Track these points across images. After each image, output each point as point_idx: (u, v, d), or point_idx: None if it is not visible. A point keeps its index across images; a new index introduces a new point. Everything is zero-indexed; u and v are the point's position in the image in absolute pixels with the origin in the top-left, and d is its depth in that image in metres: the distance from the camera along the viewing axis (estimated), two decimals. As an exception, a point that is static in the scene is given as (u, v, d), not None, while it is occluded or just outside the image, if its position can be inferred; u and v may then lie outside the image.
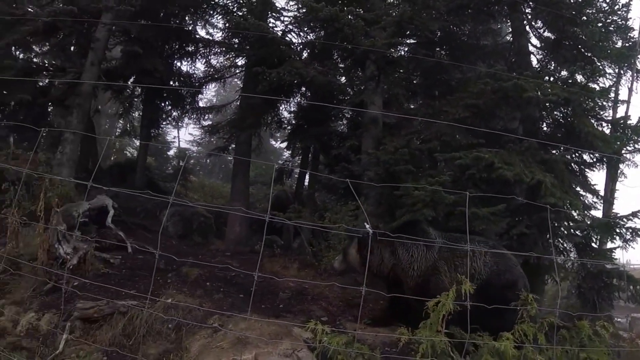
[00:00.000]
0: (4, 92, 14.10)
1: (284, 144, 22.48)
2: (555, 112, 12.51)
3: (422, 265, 8.32)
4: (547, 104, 11.67)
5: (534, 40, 14.64)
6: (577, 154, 12.57)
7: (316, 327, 6.02)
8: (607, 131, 12.47)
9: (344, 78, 15.58)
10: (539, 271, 11.42)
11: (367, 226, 7.29)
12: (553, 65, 14.10)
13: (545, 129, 13.20)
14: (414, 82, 15.54)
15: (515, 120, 13.00)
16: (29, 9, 14.30)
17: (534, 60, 14.35)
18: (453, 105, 11.81)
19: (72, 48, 16.72)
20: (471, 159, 10.31)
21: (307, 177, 18.62)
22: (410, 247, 8.41)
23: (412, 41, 14.57)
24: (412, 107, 15.85)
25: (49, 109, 18.56)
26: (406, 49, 14.39)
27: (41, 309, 7.84)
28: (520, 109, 11.94)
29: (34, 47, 18.11)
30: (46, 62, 18.03)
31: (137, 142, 27.25)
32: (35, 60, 18.17)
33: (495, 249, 8.31)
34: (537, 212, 10.84)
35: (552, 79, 12.15)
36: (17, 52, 17.35)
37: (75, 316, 7.41)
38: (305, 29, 16.59)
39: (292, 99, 16.54)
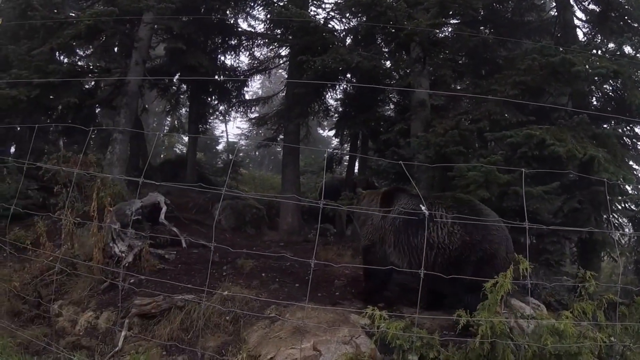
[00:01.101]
0: (51, 96, 14.30)
1: (332, 132, 22.48)
2: (604, 86, 12.33)
3: (371, 232, 8.51)
4: (596, 78, 11.46)
5: (579, 14, 14.43)
6: (628, 127, 12.33)
7: (374, 313, 6.01)
8: (659, 103, 12.14)
9: (388, 62, 15.38)
10: (594, 247, 11.23)
11: (423, 208, 7.20)
12: (600, 38, 13.82)
13: (595, 103, 13.03)
14: (460, 62, 15.27)
15: (565, 95, 12.82)
16: (71, 13, 14.48)
17: (579, 34, 14.16)
18: (501, 83, 11.64)
19: (115, 49, 16.92)
20: (522, 136, 10.16)
21: (356, 163, 18.63)
22: (369, 214, 8.62)
23: (455, 21, 14.35)
24: (459, 87, 15.66)
25: (97, 111, 18.82)
26: (450, 30, 14.17)
27: (99, 308, 7.99)
28: (569, 83, 11.63)
29: (77, 50, 18.44)
30: (90, 64, 18.36)
31: (186, 139, 27.54)
32: (79, 63, 18.50)
33: (470, 215, 7.45)
34: (588, 188, 10.68)
35: (599, 52, 11.92)
36: (61, 56, 17.64)
37: (133, 313, 7.51)
38: (347, 14, 16.51)
39: (337, 86, 16.51)
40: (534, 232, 10.26)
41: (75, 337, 7.44)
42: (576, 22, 14.09)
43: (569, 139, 10.21)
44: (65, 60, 17.62)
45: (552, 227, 8.31)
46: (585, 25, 14.46)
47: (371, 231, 8.56)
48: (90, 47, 17.91)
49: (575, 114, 10.97)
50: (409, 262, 7.96)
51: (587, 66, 10.72)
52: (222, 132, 37.55)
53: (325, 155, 22.02)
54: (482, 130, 11.41)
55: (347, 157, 19.69)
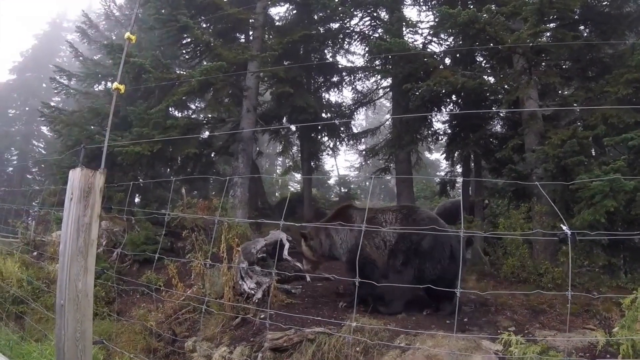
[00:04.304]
0: (170, 148, 15.13)
1: (442, 156, 22.36)
2: None
3: (349, 243, 9.33)
4: None
5: (678, -2, 13.67)
6: None
7: (509, 339, 5.92)
8: None
9: (492, 78, 15.12)
10: None
11: (565, 228, 7.00)
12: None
13: None
14: (564, 67, 14.73)
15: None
16: (181, 72, 15.29)
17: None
18: (612, 84, 11.08)
19: (226, 99, 17.59)
20: (643, 138, 9.52)
21: (470, 185, 18.34)
22: (339, 230, 9.44)
23: (552, 25, 13.91)
24: (566, 92, 15.09)
25: (213, 158, 19.58)
26: (549, 34, 13.78)
27: (232, 343, 8.21)
28: (682, 75, 10.91)
29: (189, 104, 19.41)
30: (202, 115, 19.24)
31: (298, 176, 28.19)
32: (193, 116, 19.44)
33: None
34: None
35: None
36: (175, 112, 18.57)
37: (266, 347, 7.66)
38: (444, 36, 16.50)
39: (443, 109, 16.44)
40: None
41: (210, 372, 7.71)
42: (676, 7, 13.36)
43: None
44: (179, 114, 18.59)
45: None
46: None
47: (348, 241, 9.41)
48: (201, 100, 18.91)
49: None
50: (378, 258, 9.13)
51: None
52: (332, 166, 38.19)
53: (437, 180, 21.97)
54: (600, 136, 10.93)
55: (460, 179, 19.43)
